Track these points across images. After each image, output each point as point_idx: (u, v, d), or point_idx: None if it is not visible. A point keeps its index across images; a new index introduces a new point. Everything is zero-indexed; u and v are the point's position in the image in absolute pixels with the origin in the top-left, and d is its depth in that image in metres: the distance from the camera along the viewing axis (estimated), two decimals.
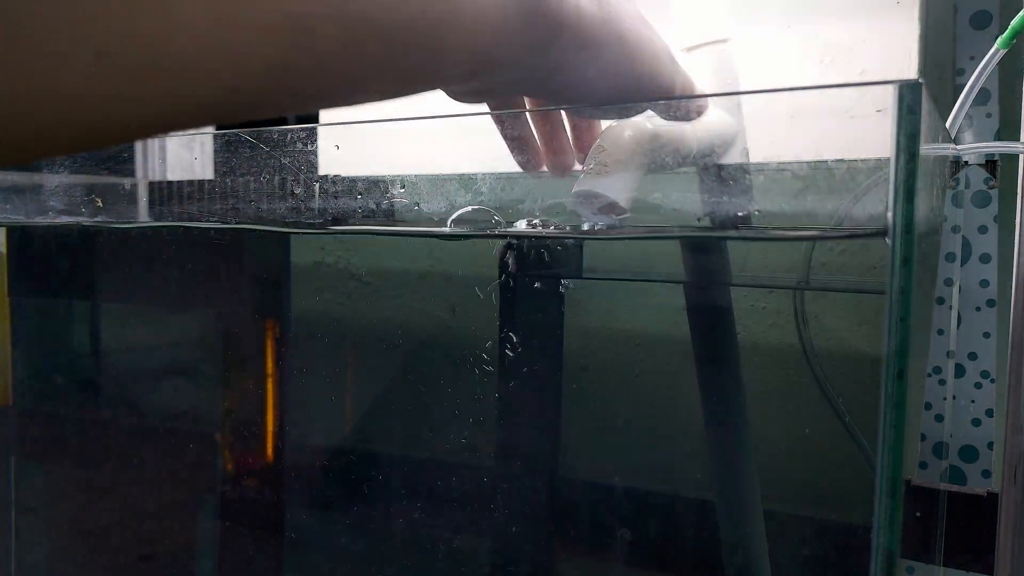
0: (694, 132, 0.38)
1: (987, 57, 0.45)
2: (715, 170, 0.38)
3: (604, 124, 0.38)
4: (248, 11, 0.18)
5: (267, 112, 0.22)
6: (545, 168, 0.40)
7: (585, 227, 0.41)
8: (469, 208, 0.42)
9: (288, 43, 0.20)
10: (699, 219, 0.38)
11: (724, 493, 0.47)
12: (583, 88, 0.32)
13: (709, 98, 0.37)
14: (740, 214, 0.37)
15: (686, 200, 0.38)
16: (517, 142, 0.39)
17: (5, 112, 0.16)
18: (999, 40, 0.45)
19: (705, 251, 0.46)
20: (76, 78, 0.16)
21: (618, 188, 0.36)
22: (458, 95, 0.33)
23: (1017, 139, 0.51)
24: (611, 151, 0.36)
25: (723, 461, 0.47)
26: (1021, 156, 0.47)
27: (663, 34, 0.35)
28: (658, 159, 0.36)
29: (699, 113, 0.36)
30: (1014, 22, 0.43)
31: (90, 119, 0.18)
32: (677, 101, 0.35)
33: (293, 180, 0.48)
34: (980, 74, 0.46)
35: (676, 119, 0.36)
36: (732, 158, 0.39)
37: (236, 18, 0.18)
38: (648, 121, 0.36)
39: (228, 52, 0.19)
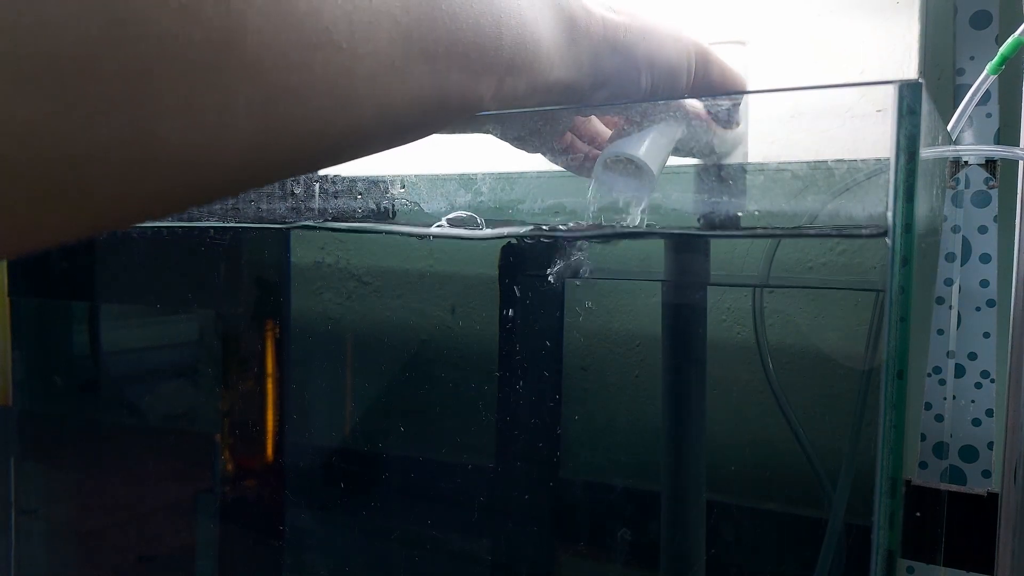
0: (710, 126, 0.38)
1: (978, 81, 0.46)
2: (715, 170, 0.38)
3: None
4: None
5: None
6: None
7: (625, 209, 0.40)
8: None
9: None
10: (698, 220, 0.38)
11: (676, 487, 0.47)
12: (623, 92, 0.33)
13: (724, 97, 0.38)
14: (737, 214, 0.37)
15: (685, 200, 0.38)
16: (567, 157, 0.39)
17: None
18: (989, 66, 0.45)
19: (692, 250, 0.46)
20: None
21: (651, 155, 0.34)
22: (514, 140, 0.34)
23: (1017, 139, 0.50)
24: (644, 119, 0.35)
25: (683, 456, 0.47)
26: (1021, 162, 0.47)
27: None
28: (683, 140, 0.36)
29: (736, 123, 0.37)
30: (1003, 48, 0.44)
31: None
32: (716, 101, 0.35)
33: (293, 180, 0.48)
34: (974, 94, 0.46)
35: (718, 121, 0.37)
36: (735, 159, 0.39)
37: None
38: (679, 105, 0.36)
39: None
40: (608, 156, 0.35)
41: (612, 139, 0.35)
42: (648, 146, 0.34)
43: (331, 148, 0.22)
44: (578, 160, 0.40)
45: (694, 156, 0.38)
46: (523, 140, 0.36)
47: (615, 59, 0.31)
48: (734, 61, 0.42)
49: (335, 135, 0.21)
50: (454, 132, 0.29)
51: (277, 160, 0.20)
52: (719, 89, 0.36)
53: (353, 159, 0.25)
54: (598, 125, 0.40)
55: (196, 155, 0.17)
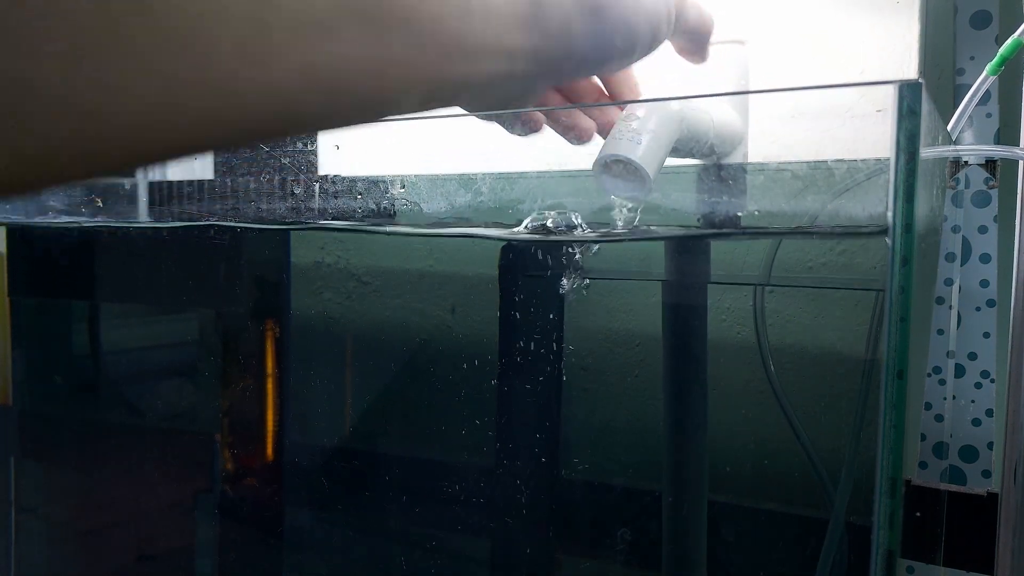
0: (712, 124, 0.38)
1: (978, 82, 0.46)
2: (716, 170, 0.38)
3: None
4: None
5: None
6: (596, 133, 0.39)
7: (617, 210, 0.40)
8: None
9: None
10: (698, 219, 0.38)
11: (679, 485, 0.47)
12: (601, 56, 0.31)
13: (723, 97, 0.38)
14: (738, 214, 0.37)
15: (686, 200, 0.38)
16: (567, 126, 0.38)
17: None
18: (988, 67, 0.45)
19: (690, 251, 0.46)
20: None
21: (648, 158, 0.35)
22: (482, 106, 0.32)
23: (1017, 139, 0.50)
24: (643, 120, 0.35)
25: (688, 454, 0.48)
26: (1021, 162, 0.47)
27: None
28: (682, 141, 0.36)
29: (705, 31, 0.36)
30: (1003, 49, 0.44)
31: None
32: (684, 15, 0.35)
33: (293, 180, 0.48)
34: (974, 94, 0.46)
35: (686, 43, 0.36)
36: (735, 159, 0.39)
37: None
38: (675, 107, 0.36)
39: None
40: (606, 158, 0.35)
41: (609, 140, 0.36)
42: (645, 149, 0.35)
43: (252, 111, 0.21)
44: (578, 131, 0.38)
45: (693, 156, 0.38)
46: (492, 109, 0.34)
47: (587, 24, 0.30)
48: (734, 60, 0.42)
49: (253, 93, 0.20)
50: (424, 108, 0.28)
51: (183, 130, 0.20)
52: (697, 32, 0.36)
53: (287, 132, 0.24)
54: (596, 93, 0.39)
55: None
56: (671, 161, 0.36)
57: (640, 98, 0.37)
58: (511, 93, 0.31)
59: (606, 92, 0.39)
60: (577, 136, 0.38)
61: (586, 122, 0.38)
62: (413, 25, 0.24)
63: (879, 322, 0.42)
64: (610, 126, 0.37)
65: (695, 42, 0.36)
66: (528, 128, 0.38)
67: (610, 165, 0.35)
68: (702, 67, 0.37)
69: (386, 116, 0.26)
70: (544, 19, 0.29)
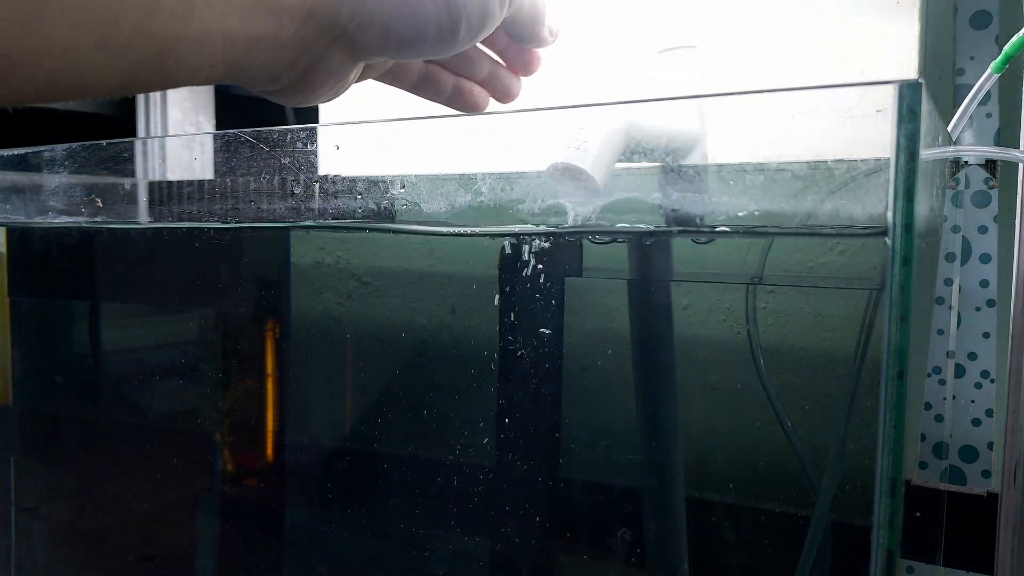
0: (664, 128, 0.39)
1: (981, 80, 0.46)
2: (678, 170, 0.40)
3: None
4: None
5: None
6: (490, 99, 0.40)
7: (570, 212, 0.42)
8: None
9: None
10: (699, 219, 0.38)
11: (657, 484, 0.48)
12: (411, 26, 0.29)
13: (679, 102, 0.40)
14: (701, 213, 0.39)
15: (685, 200, 0.38)
16: (449, 96, 0.39)
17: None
18: (993, 65, 0.45)
19: (656, 250, 0.47)
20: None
21: (595, 164, 0.37)
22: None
23: (1017, 139, 0.50)
24: (591, 130, 0.38)
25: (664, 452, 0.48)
26: (1021, 165, 0.47)
27: (639, 35, 0.36)
28: (630, 146, 0.38)
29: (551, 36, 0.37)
30: (1007, 48, 0.44)
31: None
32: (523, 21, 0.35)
33: (293, 180, 0.48)
34: (976, 93, 0.46)
35: (522, 38, 0.36)
36: (693, 161, 0.40)
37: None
38: (622, 116, 0.38)
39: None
40: (557, 165, 0.38)
41: (561, 148, 0.38)
42: (595, 158, 0.37)
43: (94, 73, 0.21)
44: (444, 94, 0.38)
45: (648, 160, 0.39)
46: (298, 90, 0.32)
47: None
48: (686, 65, 0.44)
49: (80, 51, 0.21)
50: (143, 86, 0.26)
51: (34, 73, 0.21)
52: (528, 15, 0.35)
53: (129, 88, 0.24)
54: (475, 53, 0.38)
55: None
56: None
57: (571, 101, 0.39)
58: (294, 64, 0.29)
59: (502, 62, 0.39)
60: (468, 107, 0.38)
61: (475, 93, 0.38)
62: None
63: (870, 321, 0.42)
64: (512, 92, 0.39)
65: (523, 31, 0.35)
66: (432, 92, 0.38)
67: (562, 171, 0.38)
68: (655, 72, 0.39)
69: (80, 92, 0.24)
70: None
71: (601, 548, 0.53)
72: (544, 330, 0.51)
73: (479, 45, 0.38)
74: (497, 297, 0.49)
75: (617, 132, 0.38)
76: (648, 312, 0.50)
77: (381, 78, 0.37)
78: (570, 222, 0.41)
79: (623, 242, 0.47)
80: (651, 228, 0.40)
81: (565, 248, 0.50)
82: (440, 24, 0.29)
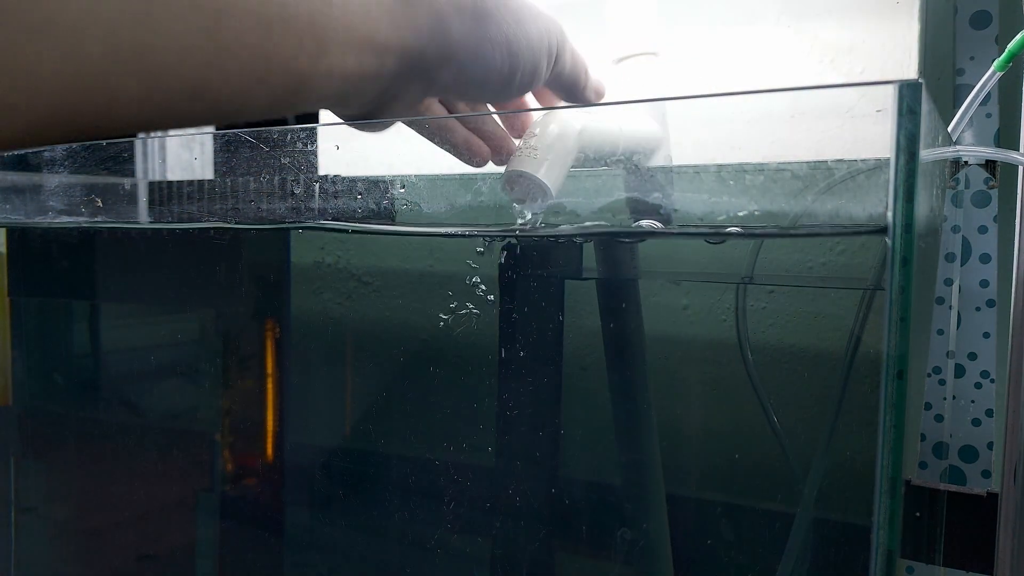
0: (621, 132, 0.40)
1: (984, 79, 0.46)
2: (638, 171, 0.40)
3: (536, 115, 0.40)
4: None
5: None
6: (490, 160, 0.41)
7: (527, 216, 0.42)
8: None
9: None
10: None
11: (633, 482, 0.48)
12: (480, 70, 0.32)
13: (639, 104, 0.40)
14: (662, 211, 0.39)
15: (685, 200, 0.38)
16: (459, 146, 0.40)
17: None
18: (996, 63, 0.45)
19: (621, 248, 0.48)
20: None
21: (545, 171, 0.38)
22: (355, 111, 0.32)
23: (1017, 140, 0.50)
24: (541, 137, 0.38)
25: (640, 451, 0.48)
26: (1021, 167, 0.47)
27: (596, 45, 0.37)
28: (584, 151, 0.39)
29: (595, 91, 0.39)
30: (1011, 45, 0.44)
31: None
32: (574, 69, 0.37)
33: (293, 180, 0.48)
34: (978, 92, 0.46)
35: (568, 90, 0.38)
36: (656, 162, 0.41)
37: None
38: (577, 118, 0.39)
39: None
40: (510, 174, 0.39)
41: (514, 156, 0.39)
42: (548, 166, 0.38)
43: (54, 85, 0.22)
44: (473, 154, 0.41)
45: (606, 164, 0.40)
46: (371, 116, 0.34)
47: (463, 27, 0.30)
48: (646, 72, 0.44)
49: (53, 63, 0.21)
50: (286, 109, 0.28)
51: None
52: (570, 78, 0.38)
53: (104, 123, 0.24)
54: (497, 128, 0.41)
55: None
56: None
57: (538, 113, 0.40)
58: (382, 95, 0.31)
59: (502, 125, 0.41)
60: (471, 158, 0.40)
61: (482, 148, 0.40)
62: (251, 9, 0.24)
63: (863, 319, 0.42)
64: (507, 151, 0.40)
65: (566, 90, 0.38)
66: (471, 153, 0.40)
67: (515, 179, 0.39)
68: (616, 77, 0.40)
69: (241, 116, 0.27)
70: (414, 13, 0.29)
71: (601, 548, 0.53)
72: (543, 330, 0.51)
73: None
74: (496, 297, 0.49)
75: (569, 137, 0.38)
76: (646, 313, 0.51)
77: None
78: (528, 224, 0.42)
79: (628, 242, 0.48)
80: (653, 229, 0.40)
81: (564, 248, 0.50)
82: (502, 72, 0.33)
